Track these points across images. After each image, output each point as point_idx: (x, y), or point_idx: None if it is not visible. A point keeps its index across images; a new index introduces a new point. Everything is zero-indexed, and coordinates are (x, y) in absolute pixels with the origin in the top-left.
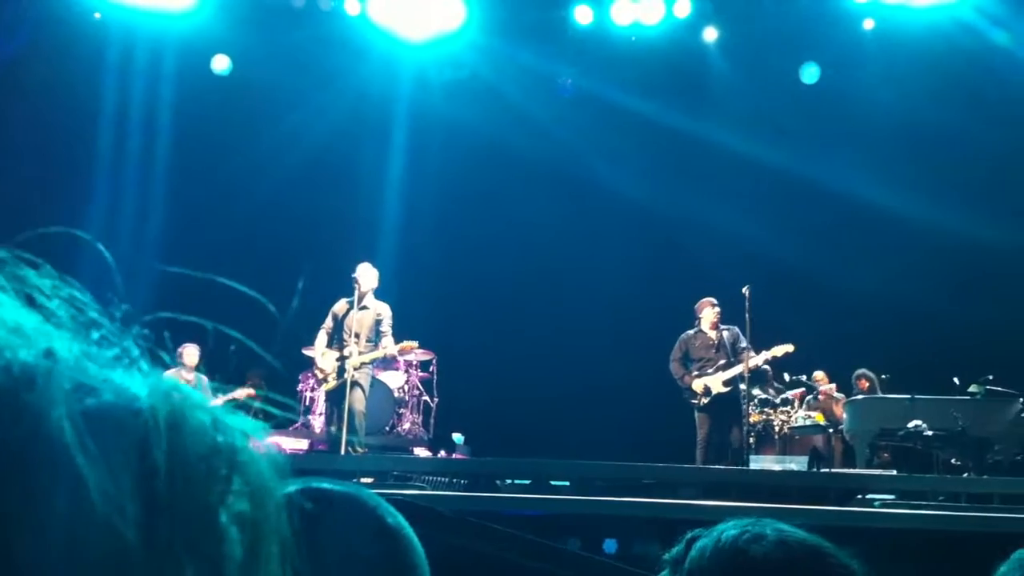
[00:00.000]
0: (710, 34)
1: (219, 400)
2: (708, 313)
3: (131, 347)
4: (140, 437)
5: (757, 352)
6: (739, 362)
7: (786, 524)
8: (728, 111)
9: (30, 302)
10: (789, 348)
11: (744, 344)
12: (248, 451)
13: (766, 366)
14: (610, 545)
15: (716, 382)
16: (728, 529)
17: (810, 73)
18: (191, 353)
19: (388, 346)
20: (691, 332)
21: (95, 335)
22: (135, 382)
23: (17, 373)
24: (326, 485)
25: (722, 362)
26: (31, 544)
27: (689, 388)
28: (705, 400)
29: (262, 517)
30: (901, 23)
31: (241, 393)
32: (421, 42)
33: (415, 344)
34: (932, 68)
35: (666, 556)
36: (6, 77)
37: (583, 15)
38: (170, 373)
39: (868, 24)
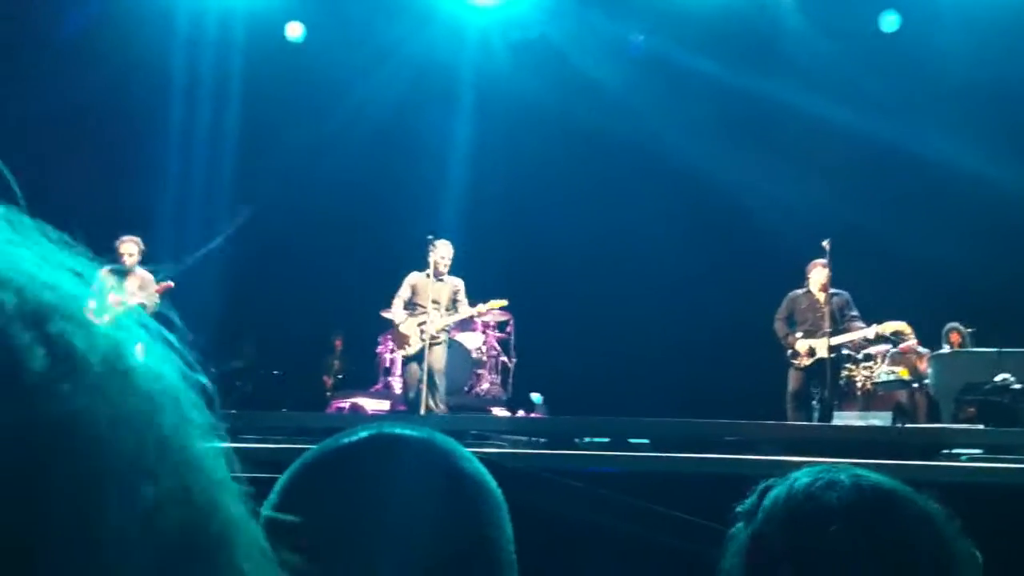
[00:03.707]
0: None
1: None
2: (818, 275)
3: None
4: None
5: (867, 323)
6: (846, 329)
7: (863, 470)
8: (804, 66)
9: None
10: (902, 326)
11: (854, 312)
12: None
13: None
14: None
15: (822, 346)
16: (801, 477)
17: (889, 22)
18: (130, 248)
19: (469, 308)
20: (799, 292)
21: None
22: None
23: None
24: (399, 430)
25: (827, 327)
26: None
27: (792, 348)
28: (808, 362)
29: (85, 361)
30: None
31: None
32: (489, 5)
33: (505, 302)
34: (1020, 16)
35: (739, 508)
36: (78, 47)
37: None
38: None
39: None
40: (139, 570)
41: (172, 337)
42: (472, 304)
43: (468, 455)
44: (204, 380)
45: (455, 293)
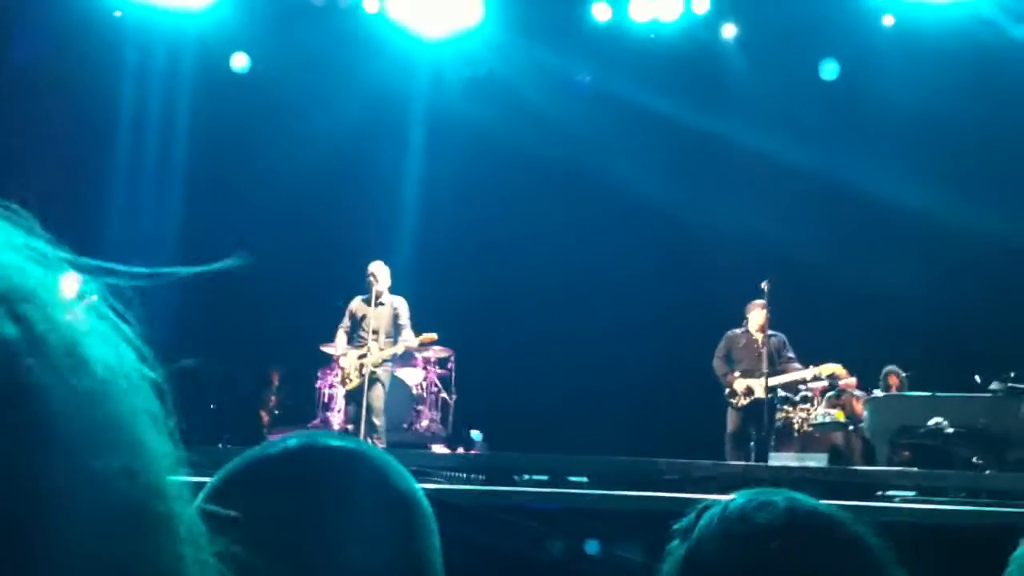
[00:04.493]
0: (728, 31)
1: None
2: (757, 315)
3: None
4: None
5: (804, 365)
6: (783, 370)
7: (799, 494)
8: (747, 108)
9: None
10: (838, 368)
11: (791, 354)
12: None
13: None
14: (592, 546)
15: (759, 386)
16: (737, 498)
17: (829, 70)
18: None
19: (408, 339)
20: (737, 331)
21: None
22: None
23: None
24: (330, 441)
25: (765, 368)
26: None
27: (730, 387)
28: (745, 401)
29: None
30: (921, 19)
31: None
32: (438, 40)
33: (435, 336)
34: (953, 64)
35: (676, 525)
36: (25, 75)
37: (601, 12)
38: None
39: (888, 20)
40: (83, 537)
41: (127, 330)
42: (417, 333)
43: (399, 467)
44: (155, 375)
45: (396, 316)
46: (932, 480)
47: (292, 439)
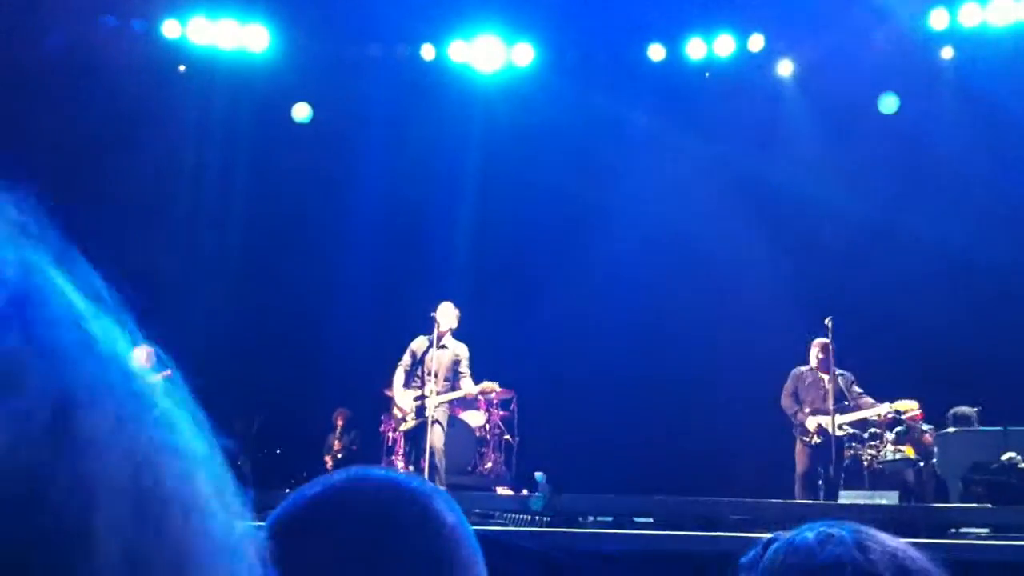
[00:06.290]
0: (784, 67)
1: None
2: (821, 352)
3: None
4: None
5: (876, 400)
6: (857, 406)
7: (869, 528)
8: (804, 145)
9: None
10: (913, 405)
11: (859, 388)
12: None
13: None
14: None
15: (830, 423)
16: (804, 531)
17: (888, 104)
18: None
19: (468, 387)
20: (804, 369)
21: None
22: None
23: None
24: (377, 472)
25: (832, 405)
26: None
27: (802, 425)
28: (818, 440)
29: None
30: (981, 49)
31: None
32: (492, 75)
33: (495, 385)
34: (1015, 94)
35: (743, 559)
36: (91, 130)
37: (656, 52)
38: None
39: (947, 52)
40: None
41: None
42: (476, 380)
43: (449, 499)
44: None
45: (457, 363)
46: (1006, 517)
47: (339, 475)
